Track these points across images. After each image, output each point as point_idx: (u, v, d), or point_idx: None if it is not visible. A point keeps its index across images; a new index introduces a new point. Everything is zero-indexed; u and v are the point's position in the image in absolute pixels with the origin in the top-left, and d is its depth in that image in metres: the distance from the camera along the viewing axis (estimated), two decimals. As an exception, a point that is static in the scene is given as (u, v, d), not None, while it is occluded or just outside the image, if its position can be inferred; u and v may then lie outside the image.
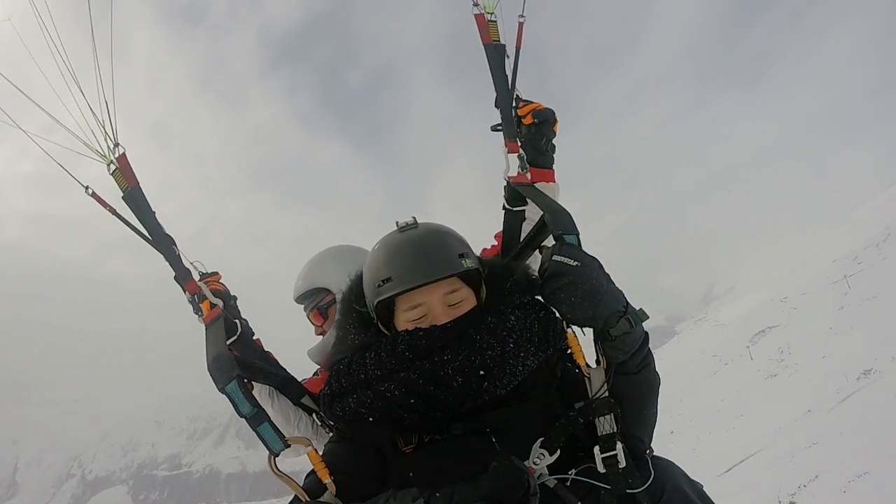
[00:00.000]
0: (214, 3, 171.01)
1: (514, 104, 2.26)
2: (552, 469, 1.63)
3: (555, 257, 1.69)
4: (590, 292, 1.61)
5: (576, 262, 1.66)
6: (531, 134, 2.29)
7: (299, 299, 2.70)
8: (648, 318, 1.70)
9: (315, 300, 2.65)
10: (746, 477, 13.25)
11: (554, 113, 2.28)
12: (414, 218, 1.81)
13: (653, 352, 1.73)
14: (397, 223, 1.81)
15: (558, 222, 1.79)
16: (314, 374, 2.60)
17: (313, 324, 2.69)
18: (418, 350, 1.66)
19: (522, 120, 2.28)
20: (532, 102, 2.27)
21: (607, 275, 1.68)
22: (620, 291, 1.67)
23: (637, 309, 1.66)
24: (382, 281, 1.72)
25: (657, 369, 1.74)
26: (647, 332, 1.67)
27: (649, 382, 1.70)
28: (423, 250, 1.71)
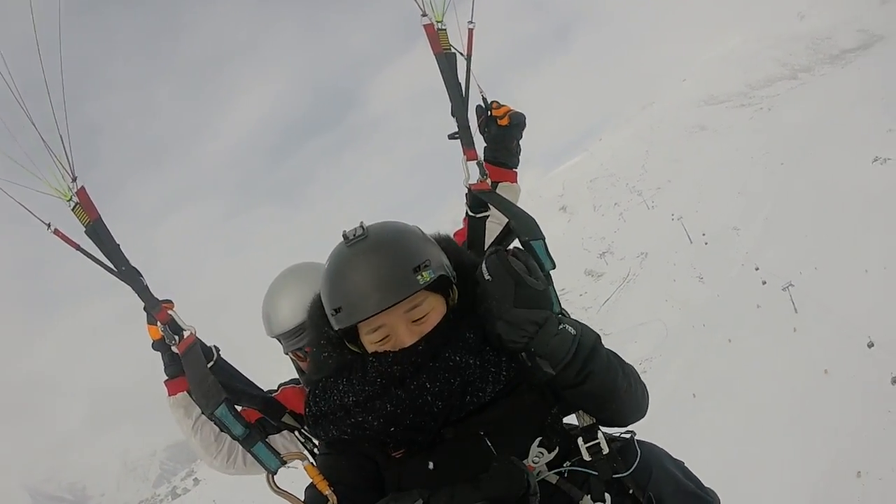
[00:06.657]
0: None
1: (486, 108, 2.34)
2: (550, 464, 1.62)
3: (479, 269, 1.65)
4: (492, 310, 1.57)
5: (488, 277, 1.61)
6: (503, 135, 2.35)
7: (287, 335, 2.53)
8: (583, 325, 1.59)
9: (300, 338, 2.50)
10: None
11: (525, 118, 2.38)
12: (362, 224, 1.64)
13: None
14: (344, 233, 1.64)
15: (524, 228, 1.81)
16: (278, 388, 2.56)
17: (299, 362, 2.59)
18: (391, 377, 1.58)
19: (498, 121, 2.33)
20: (504, 105, 2.36)
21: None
22: (547, 299, 1.60)
23: (570, 317, 1.61)
24: (334, 310, 1.61)
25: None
26: (582, 340, 1.55)
27: (601, 387, 1.57)
28: (374, 272, 1.55)
